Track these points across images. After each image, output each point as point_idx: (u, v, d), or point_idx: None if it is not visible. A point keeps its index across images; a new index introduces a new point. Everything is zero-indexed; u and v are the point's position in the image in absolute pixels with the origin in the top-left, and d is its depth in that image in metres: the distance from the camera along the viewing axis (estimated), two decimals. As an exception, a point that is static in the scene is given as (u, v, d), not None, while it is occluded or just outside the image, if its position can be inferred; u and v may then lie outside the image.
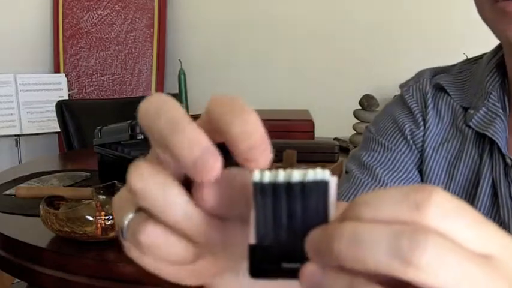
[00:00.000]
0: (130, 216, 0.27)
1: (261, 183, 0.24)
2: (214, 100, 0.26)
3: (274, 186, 0.24)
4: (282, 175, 0.24)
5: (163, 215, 0.25)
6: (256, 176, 0.24)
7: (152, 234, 0.25)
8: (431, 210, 0.21)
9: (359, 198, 0.22)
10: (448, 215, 0.21)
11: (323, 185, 0.23)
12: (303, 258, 0.23)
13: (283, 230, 0.24)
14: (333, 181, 0.24)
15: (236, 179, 0.26)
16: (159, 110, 0.25)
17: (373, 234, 0.21)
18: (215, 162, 0.24)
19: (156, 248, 0.26)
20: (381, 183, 0.63)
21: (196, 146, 0.24)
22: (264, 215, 0.24)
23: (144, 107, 0.26)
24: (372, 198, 0.22)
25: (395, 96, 0.75)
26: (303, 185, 0.23)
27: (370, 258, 0.20)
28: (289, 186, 0.24)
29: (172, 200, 0.25)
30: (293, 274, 0.23)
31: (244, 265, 0.25)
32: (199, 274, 0.29)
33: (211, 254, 0.28)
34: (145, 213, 0.26)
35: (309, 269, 0.22)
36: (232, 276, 0.31)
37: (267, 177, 0.24)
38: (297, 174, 0.24)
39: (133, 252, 0.27)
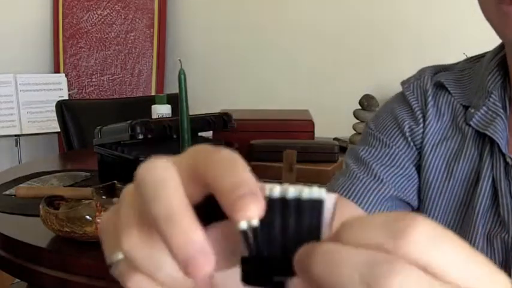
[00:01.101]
0: (119, 257, 0.27)
1: None
2: (204, 154, 0.25)
3: (270, 201, 0.24)
4: (277, 190, 0.24)
5: (151, 276, 0.26)
6: None
7: (138, 284, 0.26)
8: (411, 240, 0.20)
9: (347, 220, 0.23)
10: (428, 245, 0.21)
11: (318, 204, 0.24)
12: (292, 273, 0.23)
13: (275, 244, 0.24)
14: (329, 200, 0.24)
15: (223, 235, 0.26)
16: (157, 190, 0.24)
17: (347, 258, 0.21)
18: (207, 264, 0.23)
19: None
20: (376, 179, 0.64)
21: (190, 245, 0.23)
22: (257, 229, 0.24)
23: (141, 178, 0.25)
24: (357, 221, 0.22)
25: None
26: (298, 202, 0.23)
27: (341, 281, 0.21)
28: (284, 201, 0.24)
29: (160, 268, 0.25)
30: (282, 287, 0.24)
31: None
32: None
33: None
34: None
35: (294, 285, 0.23)
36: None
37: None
38: (292, 191, 0.24)
39: None
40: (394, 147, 0.66)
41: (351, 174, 0.65)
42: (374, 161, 0.65)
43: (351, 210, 0.61)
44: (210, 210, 0.25)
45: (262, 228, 0.23)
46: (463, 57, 0.72)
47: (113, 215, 0.28)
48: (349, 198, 0.62)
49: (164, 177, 0.25)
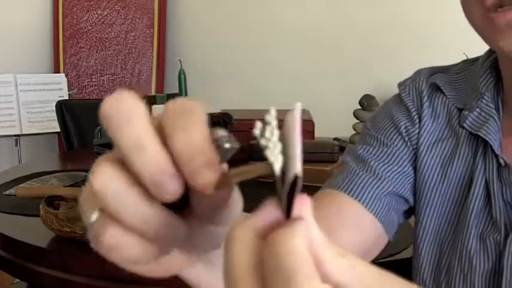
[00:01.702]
0: (94, 216, 0.28)
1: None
2: (166, 108, 0.26)
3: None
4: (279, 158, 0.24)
5: (120, 218, 0.26)
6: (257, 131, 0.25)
7: (113, 238, 0.27)
8: None
9: (297, 224, 0.22)
10: None
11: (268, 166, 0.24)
12: None
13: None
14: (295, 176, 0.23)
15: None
16: (123, 121, 0.25)
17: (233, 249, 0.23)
18: (173, 187, 0.25)
19: (117, 250, 0.27)
20: (375, 175, 0.64)
21: (158, 172, 0.25)
22: None
23: (108, 110, 0.26)
24: (298, 257, 0.21)
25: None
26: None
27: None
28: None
29: (129, 204, 0.26)
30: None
31: (214, 255, 0.29)
32: (167, 267, 0.30)
33: (177, 248, 0.30)
34: (107, 213, 0.27)
35: None
36: (204, 265, 0.33)
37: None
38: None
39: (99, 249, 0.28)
40: (392, 146, 0.66)
41: (349, 171, 0.65)
42: (372, 159, 0.65)
43: (349, 206, 0.62)
44: None
45: None
46: (463, 57, 0.72)
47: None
48: (348, 194, 0.63)
49: (130, 108, 0.26)
